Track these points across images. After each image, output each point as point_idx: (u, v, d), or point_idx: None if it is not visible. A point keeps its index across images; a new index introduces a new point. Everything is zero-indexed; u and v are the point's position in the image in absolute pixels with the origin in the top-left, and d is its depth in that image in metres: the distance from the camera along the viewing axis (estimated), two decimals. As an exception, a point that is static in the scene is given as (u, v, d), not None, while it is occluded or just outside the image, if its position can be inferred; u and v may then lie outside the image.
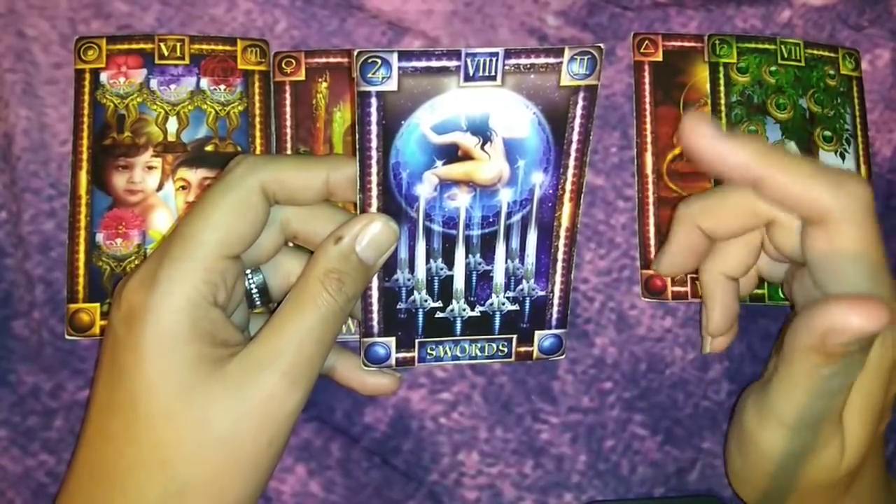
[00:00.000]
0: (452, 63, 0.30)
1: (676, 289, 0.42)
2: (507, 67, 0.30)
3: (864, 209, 0.32)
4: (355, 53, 0.29)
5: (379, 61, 0.30)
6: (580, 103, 0.32)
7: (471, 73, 0.30)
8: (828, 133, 0.44)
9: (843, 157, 0.44)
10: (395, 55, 0.30)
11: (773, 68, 0.44)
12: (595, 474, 0.41)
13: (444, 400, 0.40)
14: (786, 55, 0.44)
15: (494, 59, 0.30)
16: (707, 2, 0.45)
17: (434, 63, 0.30)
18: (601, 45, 0.30)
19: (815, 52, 0.44)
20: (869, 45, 0.45)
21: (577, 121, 0.32)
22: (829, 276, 0.32)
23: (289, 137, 0.41)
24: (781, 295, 0.41)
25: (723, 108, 0.43)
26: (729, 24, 0.45)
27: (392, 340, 0.36)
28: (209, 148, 0.40)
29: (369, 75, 0.30)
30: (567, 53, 0.30)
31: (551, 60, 0.30)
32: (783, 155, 0.33)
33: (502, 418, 0.40)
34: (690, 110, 0.32)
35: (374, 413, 0.40)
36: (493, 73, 0.30)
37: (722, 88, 0.43)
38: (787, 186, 0.32)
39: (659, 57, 0.44)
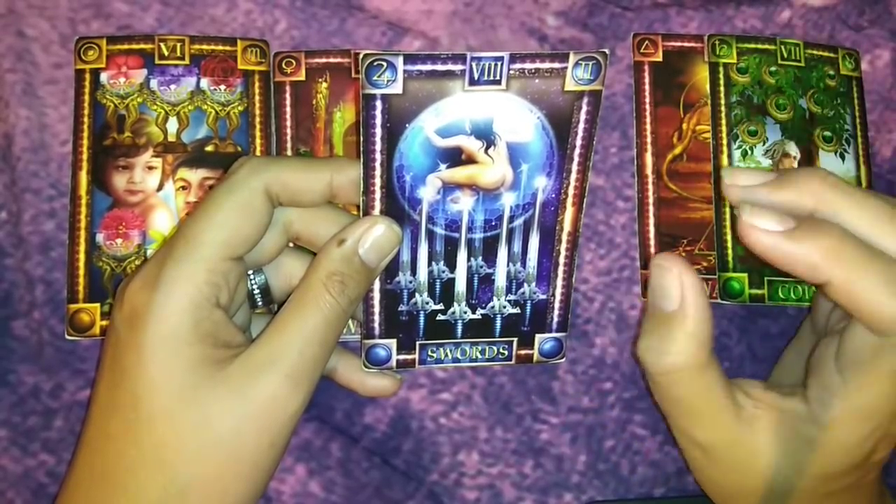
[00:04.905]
0: (457, 67, 0.30)
1: (676, 289, 0.42)
2: (511, 72, 0.30)
3: None
4: (361, 56, 0.29)
5: (384, 64, 0.29)
6: (584, 108, 0.31)
7: (475, 77, 0.30)
8: (828, 133, 0.44)
9: (842, 157, 0.44)
10: (401, 58, 0.29)
11: (773, 69, 0.44)
12: (595, 474, 0.41)
13: (444, 400, 0.40)
14: (786, 55, 0.44)
15: (499, 64, 0.30)
16: (707, 2, 0.45)
17: (439, 67, 0.30)
18: (606, 50, 0.30)
19: (815, 52, 0.44)
20: (869, 46, 0.45)
21: (581, 126, 0.32)
22: (856, 373, 0.31)
23: (289, 138, 0.41)
24: (781, 295, 0.42)
25: (723, 108, 0.43)
26: (729, 24, 0.45)
27: (393, 342, 0.36)
28: (209, 148, 0.40)
29: (374, 78, 0.30)
30: (572, 58, 0.30)
31: (556, 65, 0.30)
32: (856, 252, 0.29)
33: (502, 418, 0.41)
34: (727, 168, 0.29)
35: (374, 413, 0.40)
36: (497, 78, 0.30)
37: (722, 89, 0.43)
38: (857, 294, 0.29)
39: (659, 57, 0.44)
